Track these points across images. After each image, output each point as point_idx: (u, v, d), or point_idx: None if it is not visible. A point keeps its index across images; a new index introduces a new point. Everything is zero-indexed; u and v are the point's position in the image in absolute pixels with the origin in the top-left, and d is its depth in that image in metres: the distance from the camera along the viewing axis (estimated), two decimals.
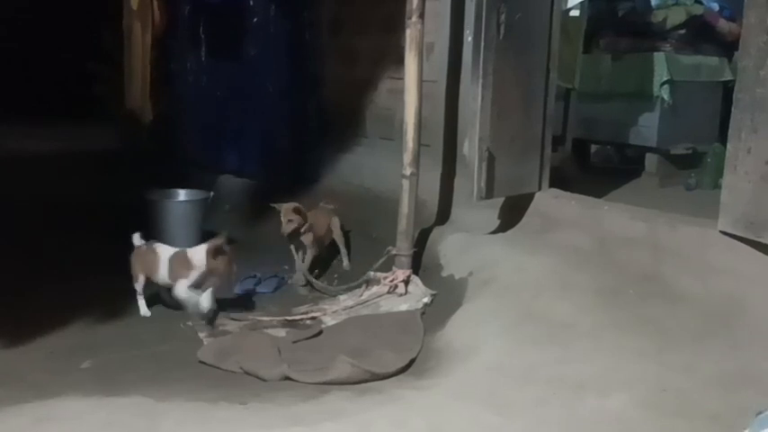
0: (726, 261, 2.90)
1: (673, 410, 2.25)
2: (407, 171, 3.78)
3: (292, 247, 4.13)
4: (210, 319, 3.49)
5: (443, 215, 4.32)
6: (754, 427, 1.84)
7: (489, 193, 3.70)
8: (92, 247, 4.50)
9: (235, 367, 2.92)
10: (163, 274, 3.54)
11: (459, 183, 4.24)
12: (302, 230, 4.07)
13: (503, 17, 3.51)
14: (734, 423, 1.98)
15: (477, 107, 3.58)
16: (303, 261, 4.11)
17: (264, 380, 2.81)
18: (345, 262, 4.37)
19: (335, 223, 4.38)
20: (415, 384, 2.67)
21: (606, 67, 5.33)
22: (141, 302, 3.62)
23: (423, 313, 3.45)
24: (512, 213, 3.94)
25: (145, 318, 3.58)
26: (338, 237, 4.39)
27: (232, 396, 2.58)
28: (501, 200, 3.98)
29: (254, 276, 4.15)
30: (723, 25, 5.31)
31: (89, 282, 3.89)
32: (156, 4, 6.81)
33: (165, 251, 3.59)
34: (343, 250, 4.40)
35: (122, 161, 6.66)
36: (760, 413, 1.88)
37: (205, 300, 3.45)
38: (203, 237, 4.53)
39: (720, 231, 2.92)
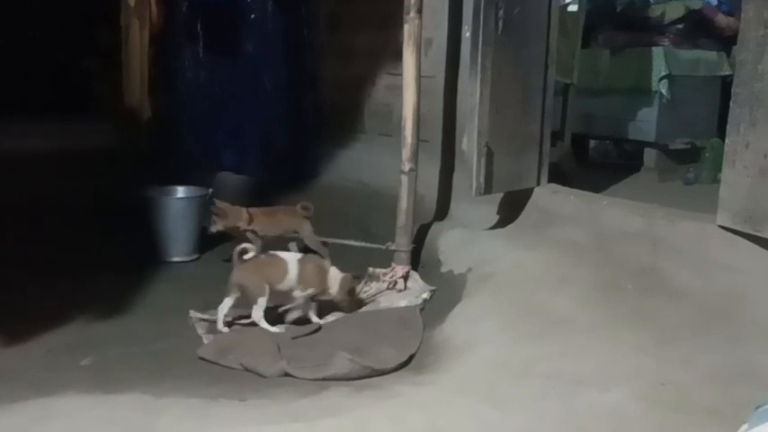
0: (724, 255, 2.90)
1: (671, 405, 2.25)
2: (406, 167, 3.77)
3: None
4: None
5: (442, 211, 4.31)
6: (753, 421, 1.83)
7: (488, 188, 3.70)
8: (90, 244, 4.50)
9: (234, 364, 2.92)
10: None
11: (457, 178, 4.24)
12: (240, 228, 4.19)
13: (501, 12, 3.51)
14: (733, 417, 1.98)
15: (475, 102, 3.57)
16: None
17: (264, 376, 2.81)
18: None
19: (305, 229, 4.26)
20: (414, 380, 2.67)
21: (605, 62, 5.33)
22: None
23: (422, 309, 3.45)
24: (510, 209, 3.94)
25: (144, 315, 3.55)
26: (310, 241, 4.27)
27: (231, 392, 2.58)
28: (500, 195, 3.97)
29: None
30: (721, 19, 5.32)
31: (87, 279, 3.89)
32: (153, 0, 6.80)
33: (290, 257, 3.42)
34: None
35: (121, 158, 6.65)
36: (759, 407, 1.88)
37: None
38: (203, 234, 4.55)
39: (719, 226, 2.91)
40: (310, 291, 3.34)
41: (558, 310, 2.91)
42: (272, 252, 3.45)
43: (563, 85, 4.74)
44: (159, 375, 2.80)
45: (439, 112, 4.34)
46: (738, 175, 2.85)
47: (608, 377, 2.42)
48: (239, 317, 3.37)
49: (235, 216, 4.19)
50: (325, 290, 3.39)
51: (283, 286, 3.29)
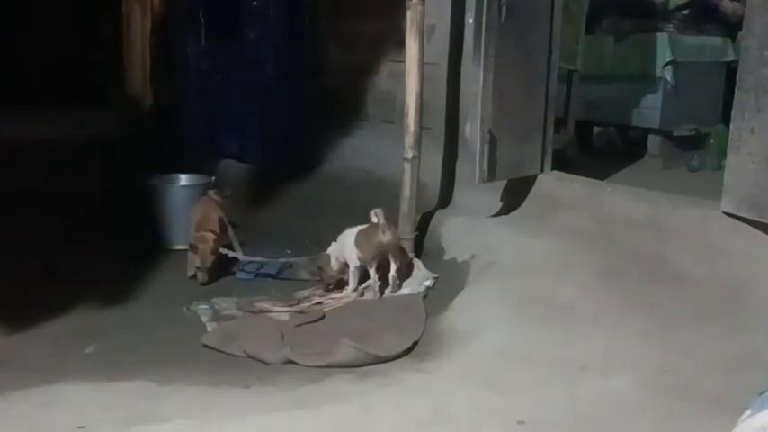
0: (729, 242, 2.90)
1: (675, 391, 2.25)
2: (409, 154, 3.76)
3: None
4: None
5: (445, 198, 4.31)
6: (755, 407, 1.83)
7: (491, 175, 3.69)
8: (92, 232, 4.50)
9: (238, 351, 2.93)
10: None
11: (460, 166, 4.23)
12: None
13: None
14: (736, 404, 1.97)
15: (478, 89, 3.56)
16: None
17: (267, 363, 2.82)
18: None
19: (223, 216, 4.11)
20: (417, 367, 2.67)
21: (609, 49, 5.28)
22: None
23: (425, 296, 3.45)
24: (514, 196, 3.93)
25: (147, 303, 3.55)
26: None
27: (235, 379, 2.58)
28: (503, 182, 3.96)
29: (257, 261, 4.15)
30: (727, 5, 5.27)
31: (91, 267, 3.89)
32: None
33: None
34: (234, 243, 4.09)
35: (123, 147, 6.64)
36: (762, 393, 1.88)
37: None
38: None
39: (723, 212, 2.91)
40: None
41: (561, 297, 2.91)
42: (371, 224, 3.47)
43: (566, 71, 4.70)
44: (163, 363, 2.81)
45: (442, 99, 4.32)
46: (743, 161, 2.84)
47: (612, 364, 2.42)
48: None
49: (202, 242, 3.83)
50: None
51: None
